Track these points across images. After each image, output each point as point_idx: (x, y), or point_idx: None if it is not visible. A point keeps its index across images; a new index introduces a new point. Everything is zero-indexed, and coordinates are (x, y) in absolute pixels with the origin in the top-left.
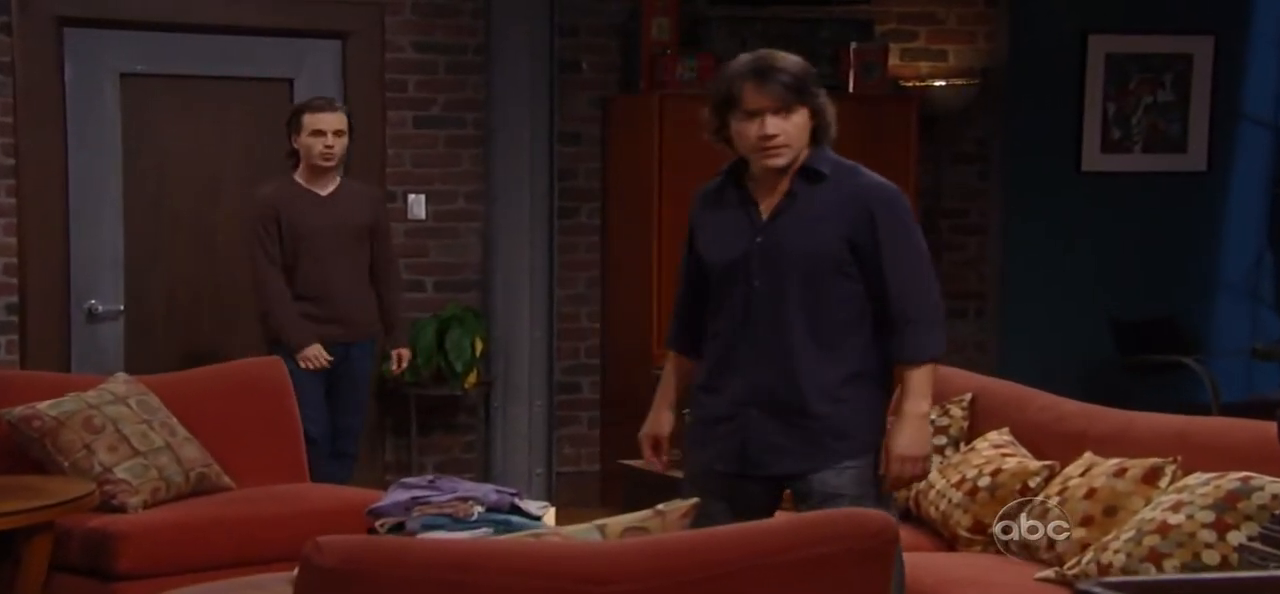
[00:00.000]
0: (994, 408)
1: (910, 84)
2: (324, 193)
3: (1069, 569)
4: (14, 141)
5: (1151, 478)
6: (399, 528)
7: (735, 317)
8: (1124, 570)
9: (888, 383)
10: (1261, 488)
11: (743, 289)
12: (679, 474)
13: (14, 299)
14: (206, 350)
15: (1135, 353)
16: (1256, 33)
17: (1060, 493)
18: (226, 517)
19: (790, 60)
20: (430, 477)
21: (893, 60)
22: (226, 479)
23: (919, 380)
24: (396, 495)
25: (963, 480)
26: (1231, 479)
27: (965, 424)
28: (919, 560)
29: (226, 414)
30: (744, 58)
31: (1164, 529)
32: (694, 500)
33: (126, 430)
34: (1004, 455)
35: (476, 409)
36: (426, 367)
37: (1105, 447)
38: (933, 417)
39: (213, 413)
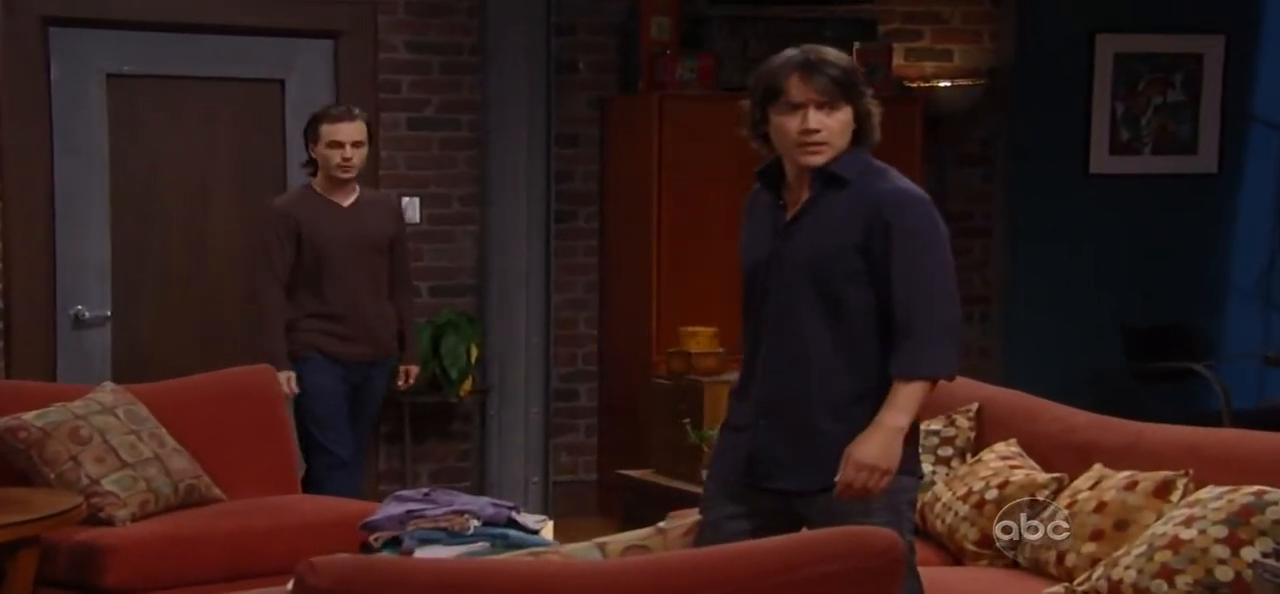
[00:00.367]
0: (1001, 418)
1: (914, 85)
2: (345, 203)
3: (1079, 585)
4: None
5: (1163, 491)
6: (394, 542)
7: (757, 324)
8: (1135, 587)
9: None
10: (1276, 502)
11: (762, 296)
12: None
13: None
14: (196, 358)
15: (1144, 359)
16: (1268, 32)
17: (1069, 506)
18: (217, 530)
19: (839, 56)
20: (425, 489)
21: (896, 60)
22: (216, 491)
23: (905, 394)
24: (391, 509)
25: (969, 493)
26: (1245, 493)
27: (972, 435)
28: (924, 575)
29: (216, 424)
30: (791, 50)
31: (1176, 544)
32: (696, 518)
33: (114, 441)
34: (1011, 467)
35: (472, 417)
36: (421, 373)
37: (1115, 459)
38: (938, 427)
39: (202, 423)
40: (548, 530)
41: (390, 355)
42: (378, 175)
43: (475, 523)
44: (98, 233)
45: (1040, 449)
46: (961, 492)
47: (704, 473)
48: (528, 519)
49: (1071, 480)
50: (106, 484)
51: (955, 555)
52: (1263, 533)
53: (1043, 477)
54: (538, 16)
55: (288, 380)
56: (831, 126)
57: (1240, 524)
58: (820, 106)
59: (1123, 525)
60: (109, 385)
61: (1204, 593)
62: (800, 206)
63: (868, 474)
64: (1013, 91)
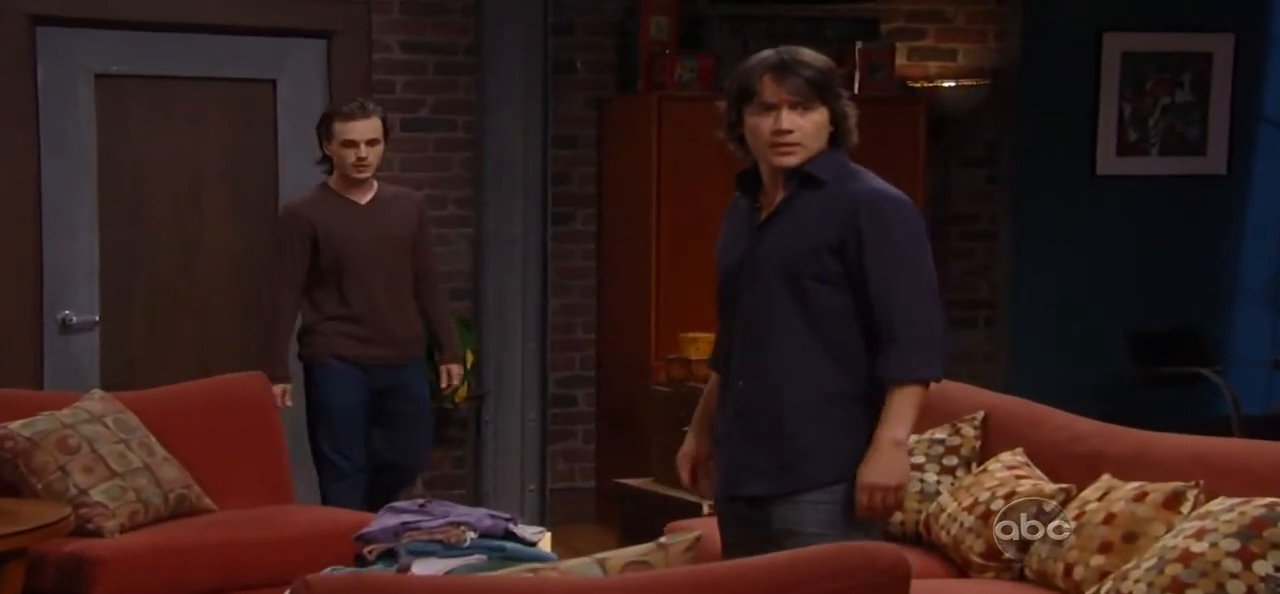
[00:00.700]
0: (1007, 427)
1: (918, 85)
2: (362, 201)
3: None
4: None
5: (1173, 503)
6: (389, 555)
7: (733, 328)
8: None
9: (879, 408)
10: None
11: (737, 299)
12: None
13: None
14: (186, 364)
15: (1151, 364)
16: (1278, 31)
17: (1077, 517)
18: (208, 541)
19: (814, 57)
20: (421, 500)
21: (899, 60)
22: (207, 501)
23: (897, 404)
24: (386, 520)
25: (975, 503)
26: (1257, 505)
27: (977, 444)
28: (930, 588)
29: (208, 432)
30: (767, 51)
31: (1187, 558)
32: (697, 533)
33: (103, 451)
34: (1018, 477)
35: (467, 423)
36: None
37: (1123, 469)
38: (943, 437)
39: (193, 431)
40: (546, 543)
41: (416, 356)
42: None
43: (472, 535)
44: (86, 236)
45: (1047, 458)
46: (967, 502)
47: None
48: (525, 531)
49: (1079, 491)
50: (95, 494)
51: (960, 567)
52: (1275, 546)
53: (1050, 487)
54: (534, 16)
55: (282, 393)
56: (805, 127)
57: (1252, 537)
58: (793, 107)
59: (1132, 538)
60: (98, 393)
61: None
62: (774, 208)
63: (881, 494)
64: (1018, 92)
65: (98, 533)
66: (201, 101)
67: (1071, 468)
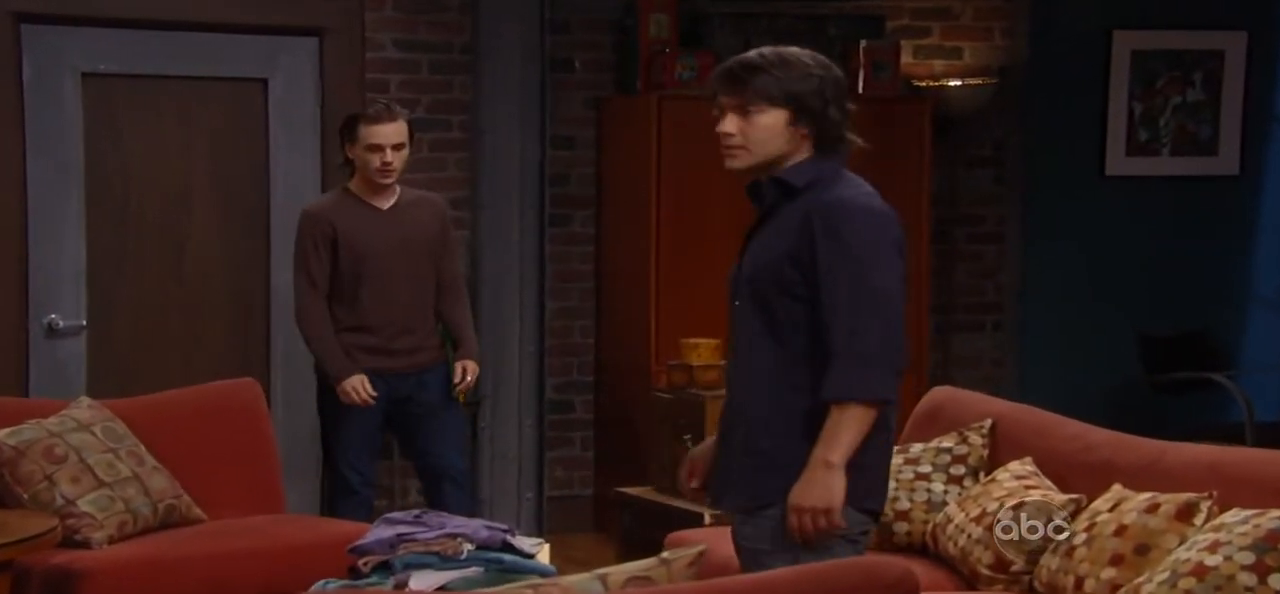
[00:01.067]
0: (1016, 435)
1: (923, 84)
2: (384, 206)
3: None
4: None
5: (1186, 514)
6: (384, 567)
7: (728, 339)
8: None
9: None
10: None
11: (730, 310)
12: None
13: None
14: (176, 371)
15: (1163, 369)
16: None
17: (1088, 529)
18: (198, 552)
19: (770, 57)
20: (417, 511)
21: (905, 58)
22: (198, 511)
23: (833, 424)
24: (381, 532)
25: (983, 514)
26: (1272, 517)
27: (985, 453)
28: None
29: (198, 441)
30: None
31: (1200, 571)
32: (700, 547)
33: (91, 460)
34: (1027, 487)
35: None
36: None
37: (1135, 479)
38: (950, 445)
39: (183, 439)
40: (544, 554)
41: (440, 361)
42: None
43: (469, 547)
44: (72, 239)
45: (1056, 468)
46: (975, 513)
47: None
48: (523, 542)
49: (1089, 501)
50: (83, 505)
51: (968, 580)
52: None
53: (1060, 497)
54: (531, 13)
55: (360, 384)
56: (749, 132)
57: (1267, 550)
58: (736, 110)
59: (1144, 550)
60: (85, 401)
61: None
62: (759, 218)
63: (810, 517)
64: (1025, 91)
65: (85, 544)
66: (191, 101)
67: (1082, 477)
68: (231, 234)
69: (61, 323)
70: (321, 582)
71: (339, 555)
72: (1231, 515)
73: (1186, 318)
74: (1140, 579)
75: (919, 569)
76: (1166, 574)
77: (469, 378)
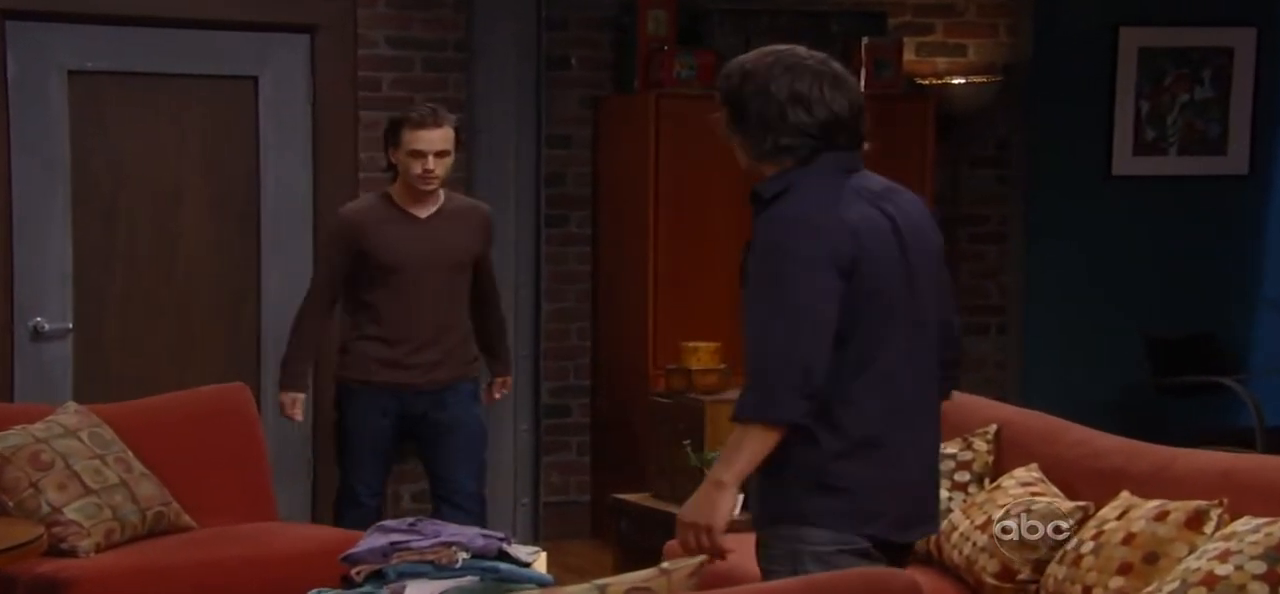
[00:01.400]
0: (1021, 441)
1: (926, 81)
2: (422, 215)
3: None
4: None
5: (1195, 523)
6: (377, 576)
7: None
8: None
9: (826, 440)
10: None
11: None
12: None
13: None
14: (165, 375)
15: (1170, 372)
16: None
17: (1095, 537)
18: (187, 560)
19: (732, 66)
20: (411, 519)
21: (907, 56)
22: (187, 519)
23: (730, 443)
24: (374, 540)
25: (988, 522)
26: None
27: (990, 459)
28: None
29: (187, 446)
30: None
31: (1211, 581)
32: (701, 558)
33: (77, 467)
34: (1033, 494)
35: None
36: None
37: (1144, 486)
38: (954, 451)
39: (172, 445)
40: (541, 563)
41: (464, 378)
42: (358, 177)
43: (464, 556)
44: (58, 240)
45: (1063, 474)
46: (980, 520)
47: None
48: (520, 551)
49: (1097, 509)
50: (69, 512)
51: (974, 589)
52: None
53: (1067, 505)
54: (527, 10)
55: (292, 402)
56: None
57: (1279, 560)
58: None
59: (1152, 559)
60: (72, 406)
61: None
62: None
63: (692, 533)
64: (1030, 89)
65: (72, 553)
66: (180, 99)
67: (1089, 484)
68: (221, 235)
69: (47, 325)
70: (314, 591)
71: (331, 564)
72: (1243, 524)
73: (1194, 320)
74: (1149, 589)
75: (924, 578)
76: (1176, 584)
77: (498, 396)
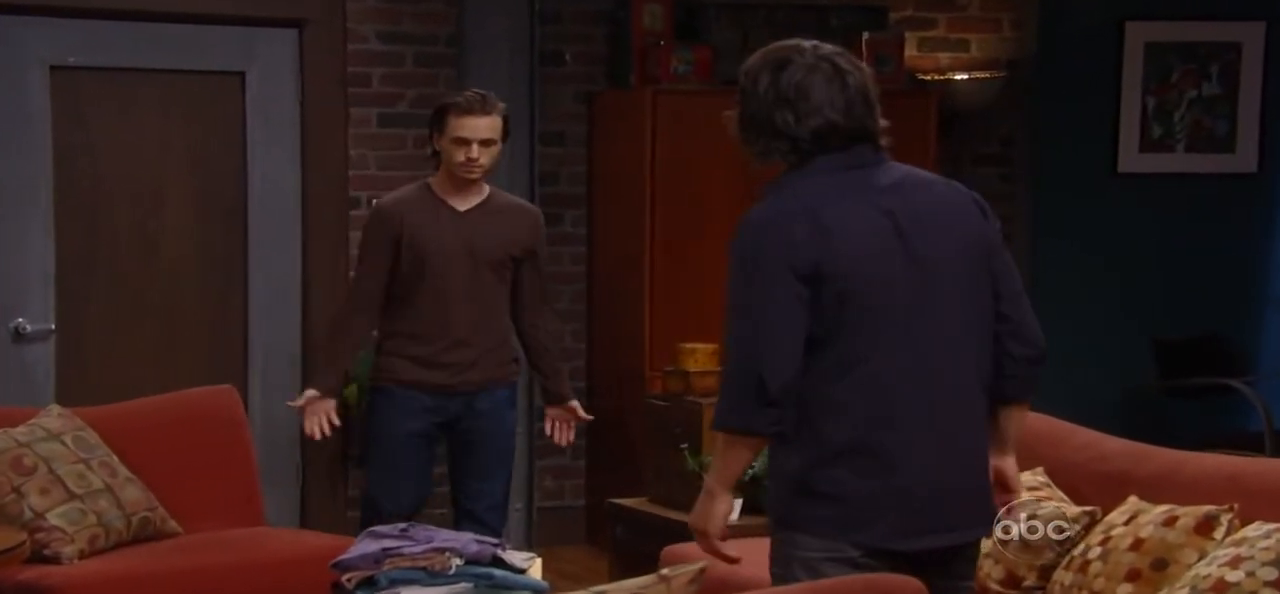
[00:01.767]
0: (1027, 444)
1: (928, 77)
2: (462, 208)
3: None
4: None
5: (1205, 528)
6: (368, 583)
7: None
8: None
9: (809, 446)
10: None
11: None
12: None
13: None
14: (150, 377)
15: (1178, 374)
16: None
17: (1103, 543)
18: (173, 567)
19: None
20: (402, 525)
21: (909, 51)
22: (173, 524)
23: (714, 450)
24: (365, 546)
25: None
26: None
27: None
28: None
29: (173, 450)
30: None
31: (1221, 588)
32: (701, 565)
33: (61, 471)
34: (1039, 499)
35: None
36: None
37: (1152, 490)
38: None
39: (157, 449)
40: (536, 569)
41: (499, 382)
42: (347, 175)
43: (457, 562)
44: (40, 239)
45: (1069, 478)
46: None
47: None
48: (515, 557)
49: (1104, 514)
50: (52, 518)
51: None
52: None
53: (1073, 510)
54: (520, 4)
55: (317, 410)
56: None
57: None
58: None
59: (1161, 565)
60: (55, 409)
61: None
62: None
63: (697, 538)
64: (1035, 85)
65: (55, 559)
66: (165, 95)
67: (1096, 489)
68: (208, 234)
69: (29, 327)
70: None
71: (321, 570)
72: (1253, 529)
73: (1202, 321)
74: None
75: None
76: (1185, 591)
77: (565, 434)
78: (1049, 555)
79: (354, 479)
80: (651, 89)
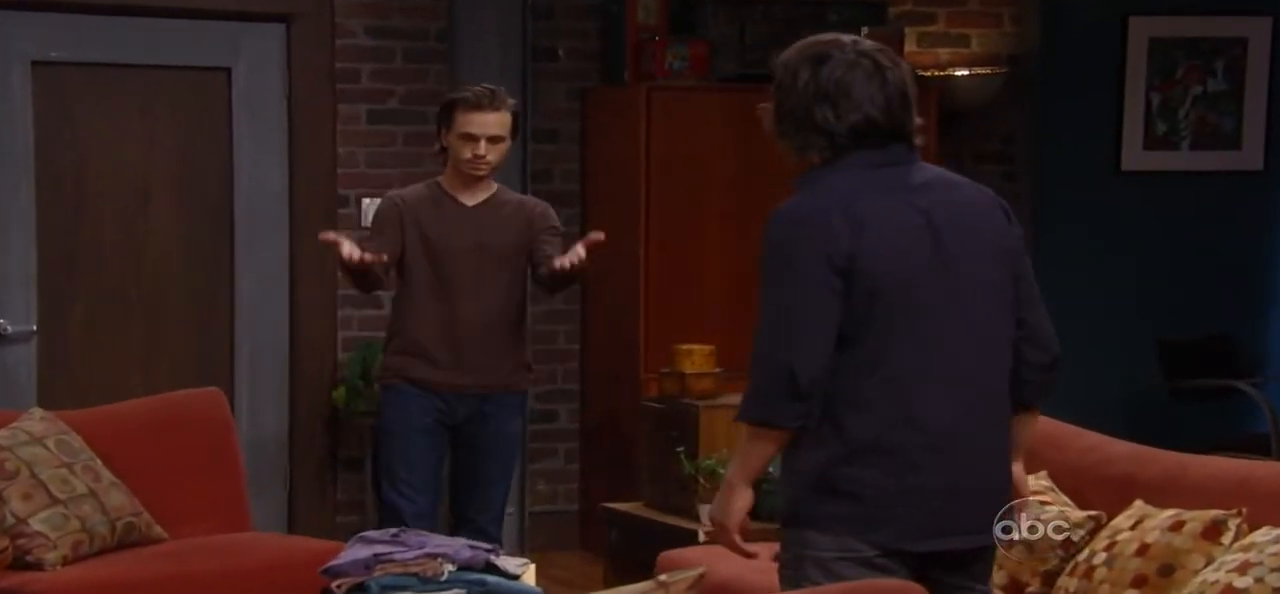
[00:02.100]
0: (1030, 447)
1: (928, 73)
2: (470, 203)
3: None
4: None
5: (1213, 533)
6: (359, 589)
7: None
8: None
9: (832, 443)
10: None
11: None
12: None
13: None
14: (134, 380)
15: (1183, 376)
16: None
17: (1108, 548)
18: (159, 574)
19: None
20: (394, 530)
21: (908, 46)
22: (159, 530)
23: (737, 442)
24: (356, 552)
25: None
26: None
27: None
28: None
29: (159, 455)
30: None
31: None
32: (700, 570)
33: (43, 475)
34: (1042, 503)
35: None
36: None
37: (1158, 495)
38: None
39: (143, 453)
40: (530, 575)
41: (509, 389)
42: (336, 173)
43: (450, 568)
44: (21, 238)
45: (1073, 482)
46: None
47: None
48: (508, 563)
49: (1109, 518)
50: (35, 523)
51: None
52: None
53: (1078, 514)
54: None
55: (351, 241)
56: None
57: None
58: None
59: (1168, 571)
60: (38, 412)
61: None
62: None
63: (715, 533)
64: (1037, 81)
65: (38, 566)
66: (149, 91)
67: (1100, 493)
68: (193, 233)
69: (10, 328)
70: None
71: (310, 576)
72: (1262, 534)
73: (1208, 322)
74: None
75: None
76: None
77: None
78: (1053, 560)
79: (343, 483)
80: (646, 85)
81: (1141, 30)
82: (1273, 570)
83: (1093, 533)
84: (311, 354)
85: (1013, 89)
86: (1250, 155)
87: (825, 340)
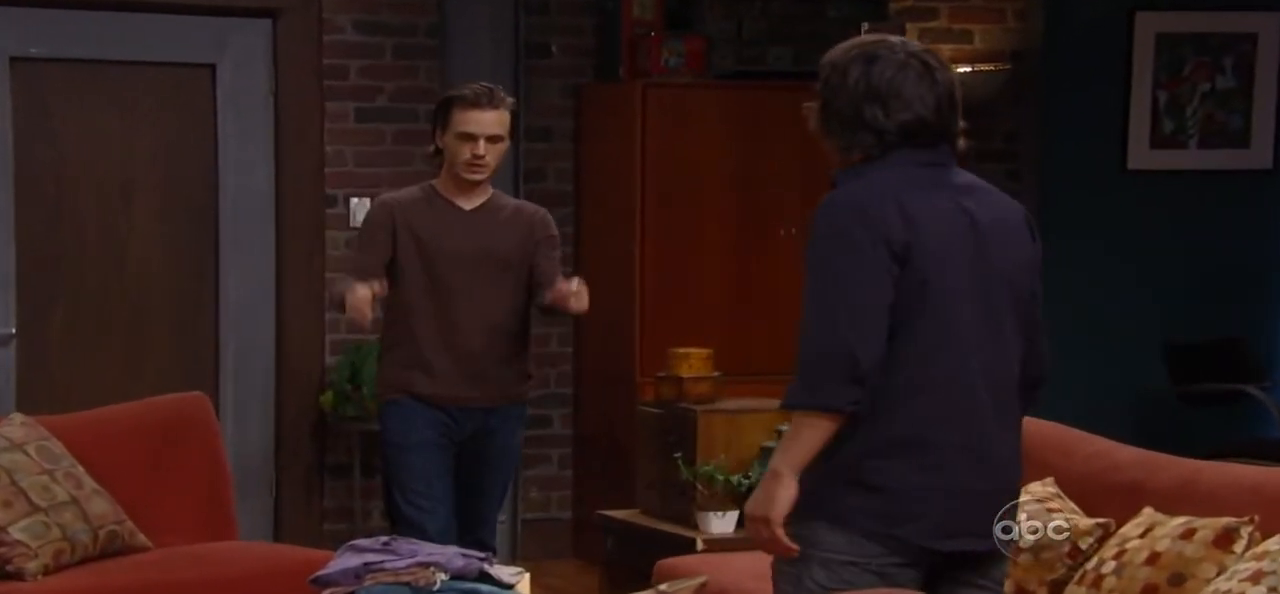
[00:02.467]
0: (1036, 453)
1: None
2: (467, 207)
3: None
4: None
5: (1224, 541)
6: None
7: None
8: None
9: (867, 435)
10: None
11: None
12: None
13: None
14: (117, 384)
15: (1191, 380)
16: None
17: (1117, 557)
18: (142, 583)
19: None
20: (384, 537)
21: None
22: (142, 538)
23: (785, 433)
24: (346, 561)
25: None
26: None
27: None
28: None
29: (142, 461)
30: None
31: None
32: (701, 579)
33: (24, 483)
34: (1049, 510)
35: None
36: (372, 398)
37: (1168, 502)
38: None
39: (126, 460)
40: (524, 585)
41: (514, 401)
42: (323, 172)
43: (442, 577)
44: (0, 239)
45: (1081, 489)
46: None
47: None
48: (502, 572)
49: (1118, 526)
50: (15, 532)
51: None
52: None
53: (1086, 522)
54: None
55: (360, 289)
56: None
57: None
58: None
59: (1179, 580)
60: (18, 417)
61: None
62: None
63: (752, 526)
64: (1041, 78)
65: (18, 575)
66: (131, 88)
67: (1109, 500)
68: (176, 234)
69: None
70: None
71: (298, 586)
72: (1275, 542)
73: (1216, 324)
74: None
75: None
76: None
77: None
78: (1061, 569)
79: (330, 490)
80: (642, 82)
81: (1148, 26)
82: None
83: (1101, 541)
84: (298, 358)
85: (1016, 86)
86: (1259, 154)
87: (882, 322)
